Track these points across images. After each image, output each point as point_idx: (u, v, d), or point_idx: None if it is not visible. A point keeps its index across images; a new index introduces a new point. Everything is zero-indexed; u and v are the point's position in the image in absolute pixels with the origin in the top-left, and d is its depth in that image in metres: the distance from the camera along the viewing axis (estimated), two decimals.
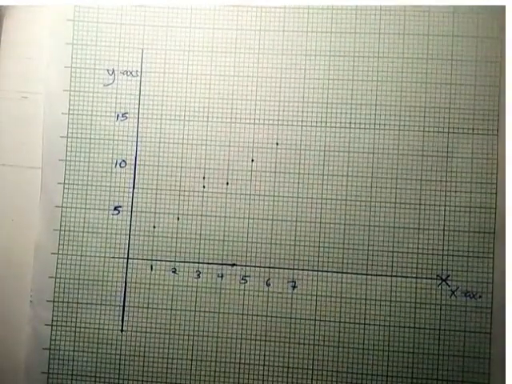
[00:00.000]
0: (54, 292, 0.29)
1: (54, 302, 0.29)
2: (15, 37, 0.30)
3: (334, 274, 0.28)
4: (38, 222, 0.30)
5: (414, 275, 0.28)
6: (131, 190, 0.30)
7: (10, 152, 0.30)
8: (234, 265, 0.29)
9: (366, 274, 0.28)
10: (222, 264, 0.29)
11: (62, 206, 0.30)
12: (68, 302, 0.29)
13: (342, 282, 0.28)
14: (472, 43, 0.29)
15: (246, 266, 0.29)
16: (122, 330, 0.29)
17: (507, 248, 0.21)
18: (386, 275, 0.28)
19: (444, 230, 0.28)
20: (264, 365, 0.28)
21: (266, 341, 0.29)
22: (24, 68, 0.30)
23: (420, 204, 0.29)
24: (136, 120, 0.30)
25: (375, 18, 0.29)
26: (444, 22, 0.29)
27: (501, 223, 0.28)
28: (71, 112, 0.30)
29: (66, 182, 0.30)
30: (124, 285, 0.29)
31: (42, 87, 0.30)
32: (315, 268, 0.29)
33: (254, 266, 0.29)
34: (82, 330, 0.29)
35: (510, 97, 0.27)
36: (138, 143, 0.30)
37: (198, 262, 0.29)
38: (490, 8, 0.29)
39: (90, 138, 0.30)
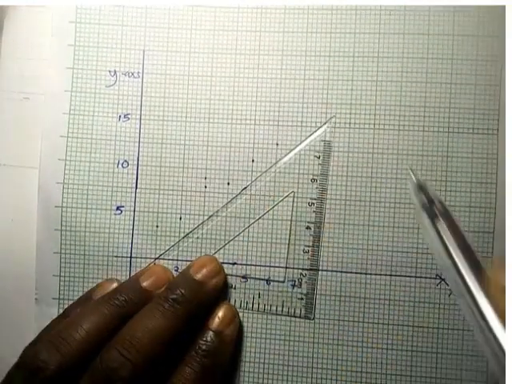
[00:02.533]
0: (59, 290, 0.30)
1: (59, 299, 0.30)
2: (16, 37, 0.31)
3: (333, 273, 0.29)
4: (38, 221, 0.30)
5: (413, 274, 0.28)
6: (134, 190, 0.30)
7: (10, 152, 0.31)
8: (234, 263, 0.29)
9: (365, 273, 0.29)
10: (223, 263, 0.29)
11: (61, 206, 0.30)
12: (73, 300, 0.30)
13: (341, 281, 0.29)
14: (473, 42, 0.29)
15: (246, 264, 0.29)
16: None
17: (507, 248, 0.22)
18: (385, 274, 0.29)
19: None
20: (264, 363, 0.29)
21: (265, 339, 0.29)
22: (25, 68, 0.31)
23: None
24: (138, 121, 0.30)
25: (375, 17, 0.29)
26: (444, 21, 0.29)
27: (500, 223, 0.28)
28: (72, 112, 0.30)
29: (66, 181, 0.30)
30: None
31: (43, 88, 0.30)
32: (314, 267, 0.29)
33: (255, 265, 0.29)
34: None
35: (510, 98, 0.27)
36: (140, 144, 0.30)
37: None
38: (490, 6, 0.29)
39: (92, 139, 0.30)
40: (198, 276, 0.27)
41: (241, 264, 0.29)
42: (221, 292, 0.29)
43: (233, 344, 0.28)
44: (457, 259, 0.18)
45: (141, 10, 0.30)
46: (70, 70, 0.30)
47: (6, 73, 0.31)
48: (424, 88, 0.29)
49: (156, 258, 0.30)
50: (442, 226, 0.19)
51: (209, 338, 0.26)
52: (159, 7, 0.30)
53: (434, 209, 0.20)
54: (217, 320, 0.27)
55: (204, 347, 0.26)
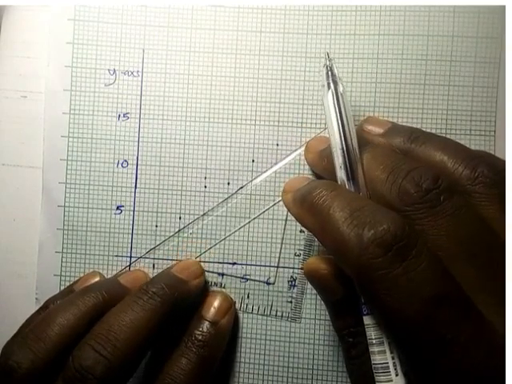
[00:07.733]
0: (60, 290, 0.30)
1: None
2: (15, 36, 0.30)
3: None
4: (40, 221, 0.30)
5: None
6: (133, 189, 0.30)
7: (10, 152, 0.30)
8: (234, 263, 0.30)
9: None
10: (223, 263, 0.30)
11: (64, 206, 0.30)
12: None
13: None
14: (471, 44, 0.29)
15: (246, 264, 0.29)
16: None
17: (507, 248, 0.22)
18: None
19: None
20: (264, 364, 0.29)
21: (266, 340, 0.29)
22: (24, 67, 0.30)
23: None
24: (137, 120, 0.30)
25: (375, 18, 0.29)
26: (444, 22, 0.29)
27: None
28: (72, 112, 0.30)
29: (68, 181, 0.30)
30: None
31: (42, 86, 0.30)
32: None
33: (255, 265, 0.29)
34: None
35: (509, 97, 0.27)
36: (140, 143, 0.30)
37: (200, 261, 0.30)
38: (490, 8, 0.29)
39: (92, 138, 0.30)
40: (181, 275, 0.27)
41: (240, 264, 0.30)
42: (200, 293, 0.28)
43: (229, 334, 0.28)
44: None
45: (140, 9, 0.30)
46: (69, 69, 0.30)
47: (3, 71, 0.30)
48: (422, 89, 0.29)
49: (155, 258, 0.30)
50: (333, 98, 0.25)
51: (205, 329, 0.26)
52: (159, 6, 0.30)
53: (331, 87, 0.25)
54: (212, 310, 0.27)
55: (200, 337, 0.26)
